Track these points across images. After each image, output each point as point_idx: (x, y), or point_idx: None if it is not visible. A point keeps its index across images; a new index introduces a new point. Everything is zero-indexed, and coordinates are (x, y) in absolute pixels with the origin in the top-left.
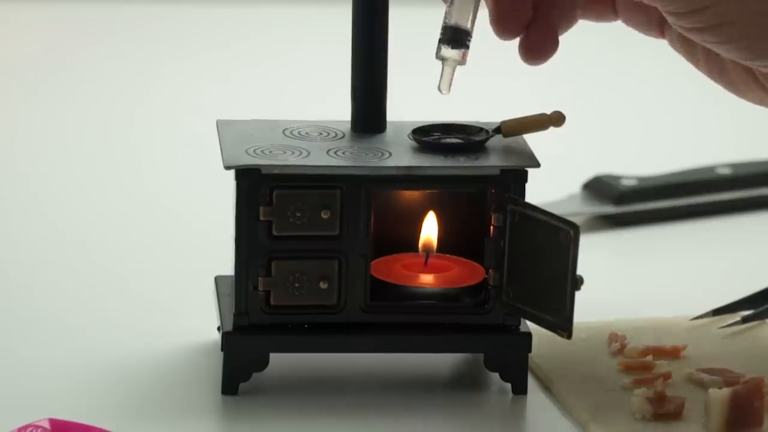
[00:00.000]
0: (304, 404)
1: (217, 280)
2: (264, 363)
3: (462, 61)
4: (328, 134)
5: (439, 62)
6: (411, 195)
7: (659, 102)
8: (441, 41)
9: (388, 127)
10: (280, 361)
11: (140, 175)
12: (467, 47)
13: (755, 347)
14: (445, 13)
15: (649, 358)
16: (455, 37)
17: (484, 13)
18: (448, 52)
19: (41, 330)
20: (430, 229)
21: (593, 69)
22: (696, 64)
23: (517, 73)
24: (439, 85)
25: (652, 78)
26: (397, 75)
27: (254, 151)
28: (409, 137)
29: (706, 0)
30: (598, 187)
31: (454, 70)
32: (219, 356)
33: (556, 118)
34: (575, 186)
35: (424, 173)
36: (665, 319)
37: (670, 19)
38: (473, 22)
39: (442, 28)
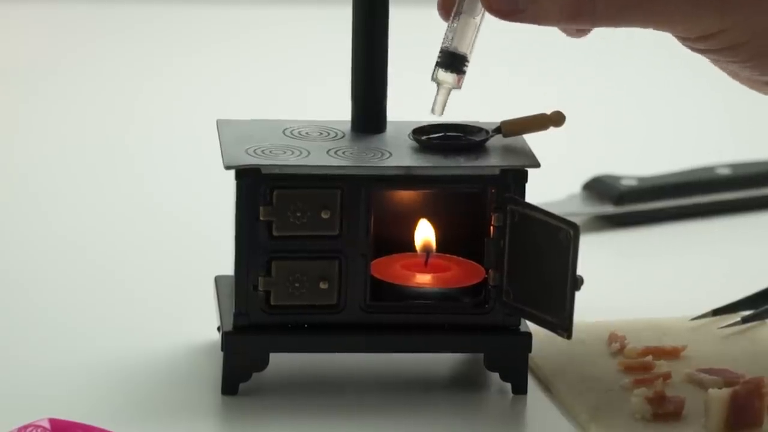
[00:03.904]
0: (304, 404)
1: (217, 280)
2: (264, 363)
3: (457, 86)
4: (328, 134)
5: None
6: (411, 195)
7: (659, 102)
8: (438, 64)
9: (388, 127)
10: (280, 361)
11: (140, 175)
12: (464, 72)
13: (755, 347)
14: (445, 35)
15: (649, 358)
16: (452, 61)
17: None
18: (445, 76)
19: (41, 330)
20: (425, 232)
21: (593, 69)
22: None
23: (517, 73)
24: (433, 107)
25: (652, 78)
26: (396, 75)
27: (254, 151)
28: (409, 137)
29: (716, 25)
30: (598, 188)
31: (448, 94)
32: (219, 356)
33: (556, 118)
34: (575, 186)
35: (424, 173)
36: (665, 319)
37: (681, 42)
38: (472, 47)
39: (440, 51)
